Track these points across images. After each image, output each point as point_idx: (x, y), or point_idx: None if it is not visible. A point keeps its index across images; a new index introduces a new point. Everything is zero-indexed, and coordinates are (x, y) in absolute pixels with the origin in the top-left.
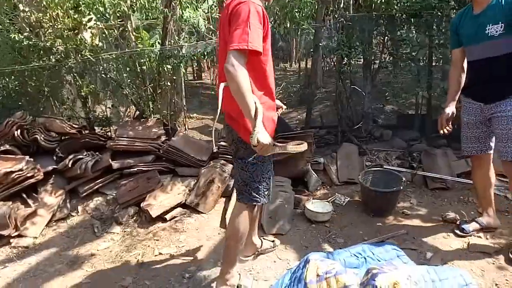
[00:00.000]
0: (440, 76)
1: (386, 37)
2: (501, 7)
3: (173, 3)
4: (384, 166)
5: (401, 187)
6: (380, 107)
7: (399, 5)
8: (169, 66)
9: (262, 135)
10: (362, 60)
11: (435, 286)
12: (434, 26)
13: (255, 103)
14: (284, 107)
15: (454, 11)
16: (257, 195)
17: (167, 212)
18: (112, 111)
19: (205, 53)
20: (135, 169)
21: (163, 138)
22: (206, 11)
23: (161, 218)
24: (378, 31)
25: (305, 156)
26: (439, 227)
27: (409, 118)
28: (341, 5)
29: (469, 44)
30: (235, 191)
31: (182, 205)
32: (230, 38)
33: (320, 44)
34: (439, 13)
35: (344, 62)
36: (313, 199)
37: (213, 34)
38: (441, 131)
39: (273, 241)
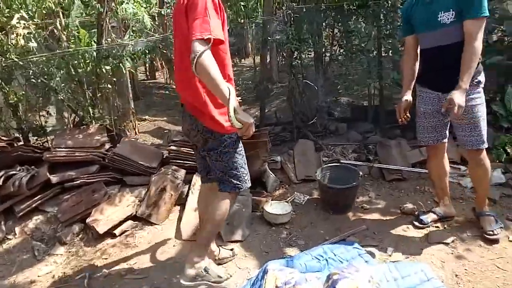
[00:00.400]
0: (391, 66)
1: (335, 29)
2: None
3: None
4: (341, 161)
5: (358, 182)
6: (334, 100)
7: None
8: (107, 67)
9: (243, 115)
10: (313, 53)
11: (398, 285)
12: (381, 16)
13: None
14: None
15: (401, 0)
16: (238, 182)
17: (116, 226)
18: (47, 119)
19: (147, 51)
20: (78, 181)
21: (107, 145)
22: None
23: (110, 233)
24: (327, 23)
25: (261, 155)
26: (398, 219)
27: (363, 110)
28: None
29: (422, 31)
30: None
31: (133, 217)
32: (191, 29)
33: (270, 38)
34: (385, 3)
35: (294, 56)
36: (272, 200)
37: (155, 31)
38: (400, 120)
39: (231, 249)
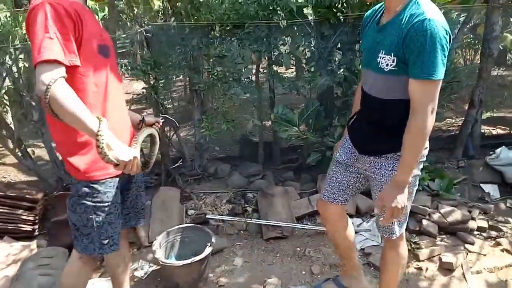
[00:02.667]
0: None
1: (201, 52)
2: (400, 29)
3: None
4: (207, 216)
5: (206, 255)
6: (212, 134)
7: (213, 14)
8: None
9: (118, 148)
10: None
11: None
12: (259, 40)
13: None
14: (161, 121)
15: (284, 22)
16: (90, 243)
17: None
18: None
19: None
20: None
21: None
22: None
23: None
24: (193, 46)
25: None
26: None
27: (254, 147)
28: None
29: (364, 66)
30: None
31: None
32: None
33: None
34: (269, 24)
35: (151, 84)
36: (101, 275)
37: None
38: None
39: None
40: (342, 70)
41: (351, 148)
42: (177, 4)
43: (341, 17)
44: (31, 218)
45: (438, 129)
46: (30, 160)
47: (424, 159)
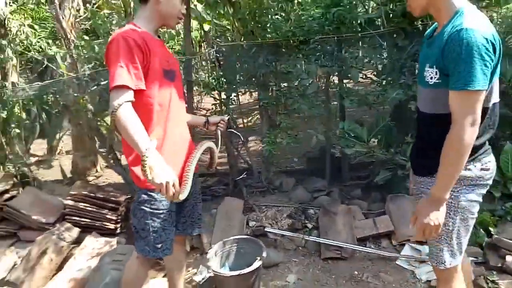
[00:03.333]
0: (340, 114)
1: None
2: (441, 41)
3: None
4: (266, 229)
5: (257, 267)
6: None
7: (278, 33)
8: (2, 115)
9: (157, 171)
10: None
11: None
12: (326, 55)
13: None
14: (226, 118)
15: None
16: (146, 246)
17: None
18: None
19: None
20: None
21: (7, 195)
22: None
23: None
24: (259, 63)
25: None
26: None
27: (321, 161)
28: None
29: (417, 82)
30: None
31: (6, 282)
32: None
33: (189, 79)
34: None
35: (224, 99)
36: (164, 275)
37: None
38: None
39: None
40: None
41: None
42: (246, 25)
43: (420, 26)
44: (114, 218)
45: None
46: (119, 166)
47: (488, 182)
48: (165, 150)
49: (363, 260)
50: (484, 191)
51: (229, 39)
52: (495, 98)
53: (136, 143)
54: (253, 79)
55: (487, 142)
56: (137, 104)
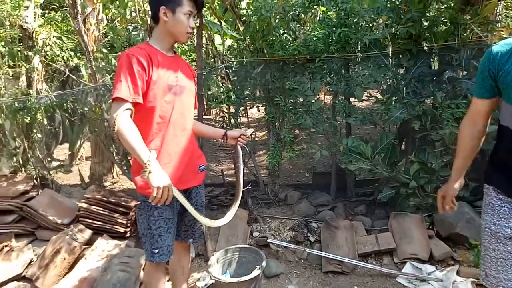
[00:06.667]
0: (344, 131)
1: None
2: None
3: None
4: (268, 240)
5: (256, 275)
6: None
7: (285, 51)
8: (26, 120)
9: (154, 174)
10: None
11: None
12: (332, 73)
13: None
14: (249, 132)
15: (359, 54)
16: (146, 250)
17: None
18: None
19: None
20: None
21: (29, 195)
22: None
23: None
24: (265, 79)
25: None
26: None
27: (327, 176)
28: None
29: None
30: None
31: (22, 277)
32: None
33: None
34: (341, 57)
35: (231, 113)
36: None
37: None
38: (441, 211)
39: None
40: (422, 103)
41: (509, 209)
42: (255, 42)
43: (425, 47)
44: (125, 222)
45: None
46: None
47: None
48: (161, 160)
49: (363, 275)
50: None
51: (245, 54)
52: None
53: (138, 154)
54: (261, 94)
55: None
56: (139, 114)
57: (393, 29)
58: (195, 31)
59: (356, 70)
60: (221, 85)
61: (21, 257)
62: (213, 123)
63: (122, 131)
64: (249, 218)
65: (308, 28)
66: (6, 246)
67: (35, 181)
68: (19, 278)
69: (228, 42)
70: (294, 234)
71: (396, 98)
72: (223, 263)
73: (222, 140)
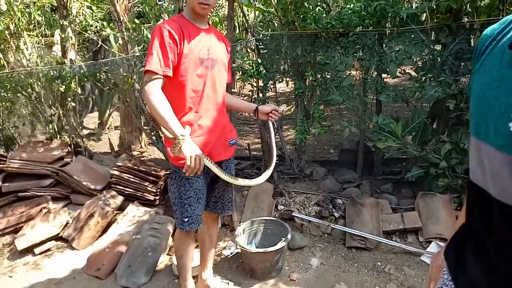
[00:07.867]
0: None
1: (305, 59)
2: None
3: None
4: (293, 214)
5: (281, 247)
6: (319, 138)
7: (318, 24)
8: (61, 89)
9: (185, 145)
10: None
11: None
12: (365, 48)
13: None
14: (281, 108)
15: (395, 29)
16: (176, 218)
17: (38, 245)
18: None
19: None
20: (29, 193)
21: (62, 161)
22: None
23: (33, 251)
24: (297, 53)
25: None
26: None
27: (354, 154)
28: (252, 22)
29: (476, 134)
30: None
31: (59, 238)
32: None
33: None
34: (375, 32)
35: (261, 88)
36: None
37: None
38: None
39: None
40: (458, 81)
41: None
42: (287, 14)
43: (466, 23)
44: (154, 190)
45: None
46: (161, 143)
47: None
48: (193, 133)
49: (387, 252)
50: None
51: (275, 26)
52: None
53: (170, 127)
54: (290, 68)
55: None
56: (172, 88)
57: (432, 3)
58: (211, 2)
59: (390, 45)
60: (250, 57)
61: (58, 219)
62: (237, 96)
63: (153, 104)
64: (275, 192)
65: (341, 1)
66: (44, 208)
67: (69, 147)
68: (56, 238)
69: (252, 15)
70: (318, 209)
71: (432, 75)
72: (249, 233)
73: (254, 115)
